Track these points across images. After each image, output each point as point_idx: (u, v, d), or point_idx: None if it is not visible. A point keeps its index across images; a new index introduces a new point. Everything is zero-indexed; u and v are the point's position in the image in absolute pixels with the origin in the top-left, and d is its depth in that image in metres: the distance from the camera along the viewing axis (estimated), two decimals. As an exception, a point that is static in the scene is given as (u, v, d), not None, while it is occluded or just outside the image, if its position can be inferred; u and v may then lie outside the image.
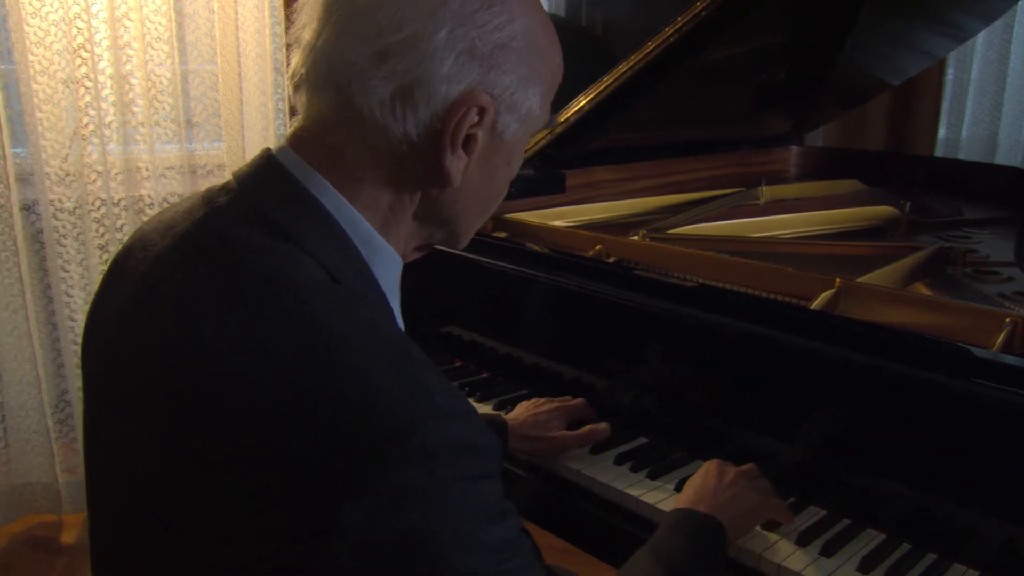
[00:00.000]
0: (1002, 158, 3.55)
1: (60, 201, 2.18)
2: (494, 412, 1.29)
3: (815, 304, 1.23)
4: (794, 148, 2.73)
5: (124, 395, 0.67)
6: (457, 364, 1.49)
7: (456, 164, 0.68)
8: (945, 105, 3.43)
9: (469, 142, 0.67)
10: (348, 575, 0.55)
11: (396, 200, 0.70)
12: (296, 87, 0.68)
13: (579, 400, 1.22)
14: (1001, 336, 1.08)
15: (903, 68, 2.64)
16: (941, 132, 3.47)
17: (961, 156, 3.51)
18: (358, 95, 0.64)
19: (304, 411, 0.56)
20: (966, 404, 0.96)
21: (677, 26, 1.62)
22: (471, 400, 1.35)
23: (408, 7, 0.63)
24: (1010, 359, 1.01)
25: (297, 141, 0.69)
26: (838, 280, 1.28)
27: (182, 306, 0.64)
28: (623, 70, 1.69)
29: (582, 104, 1.76)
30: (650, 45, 1.65)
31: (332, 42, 0.65)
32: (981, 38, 3.44)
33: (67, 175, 2.17)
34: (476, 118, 0.66)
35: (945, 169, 2.63)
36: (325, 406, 0.56)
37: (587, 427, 1.17)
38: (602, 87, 1.73)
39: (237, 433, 0.58)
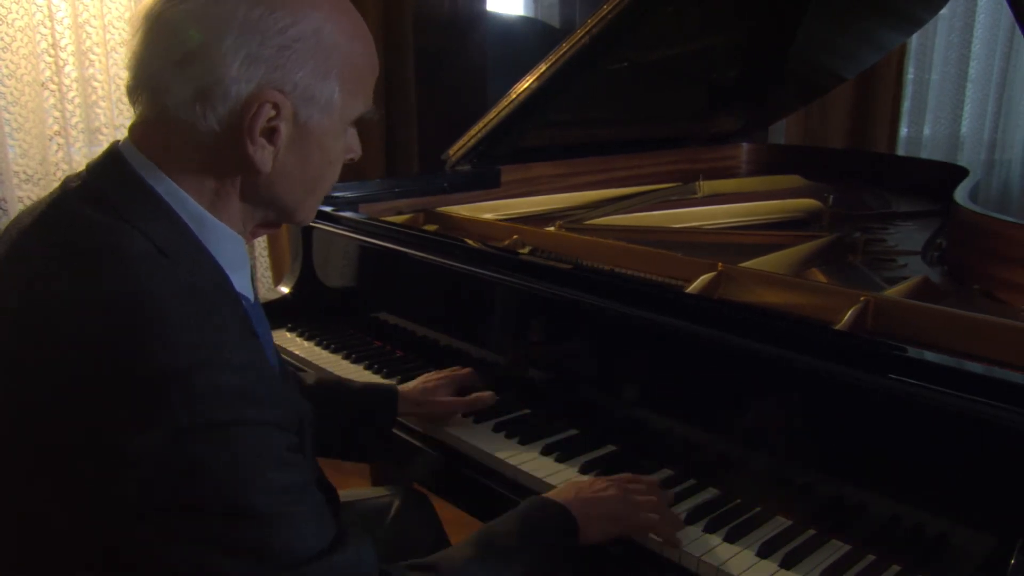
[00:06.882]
0: (966, 156, 3.60)
1: (28, 198, 2.29)
2: (387, 381, 1.38)
3: (692, 287, 1.31)
4: (744, 145, 2.78)
5: None
6: (376, 344, 1.58)
7: (260, 153, 0.75)
8: (906, 105, 3.48)
9: (273, 133, 0.75)
10: (140, 500, 0.64)
11: (219, 185, 0.79)
12: (127, 93, 0.78)
13: (467, 370, 1.33)
14: (848, 314, 1.17)
15: (857, 60, 2.67)
16: (903, 131, 3.53)
17: (924, 154, 3.54)
18: (166, 97, 0.73)
19: (101, 351, 0.65)
20: (811, 375, 1.01)
21: (588, 28, 1.70)
22: (377, 376, 1.44)
23: (201, 20, 0.73)
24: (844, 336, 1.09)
25: (134, 134, 0.79)
26: (720, 264, 1.36)
27: (24, 273, 0.73)
28: (543, 69, 1.77)
29: (506, 103, 1.85)
30: (564, 46, 1.73)
31: (144, 53, 0.75)
32: (942, 38, 3.49)
33: (34, 174, 2.27)
34: (272, 112, 0.74)
35: (886, 164, 2.69)
36: (119, 347, 0.65)
37: (473, 395, 1.27)
38: (520, 89, 1.82)
39: (50, 375, 0.66)
